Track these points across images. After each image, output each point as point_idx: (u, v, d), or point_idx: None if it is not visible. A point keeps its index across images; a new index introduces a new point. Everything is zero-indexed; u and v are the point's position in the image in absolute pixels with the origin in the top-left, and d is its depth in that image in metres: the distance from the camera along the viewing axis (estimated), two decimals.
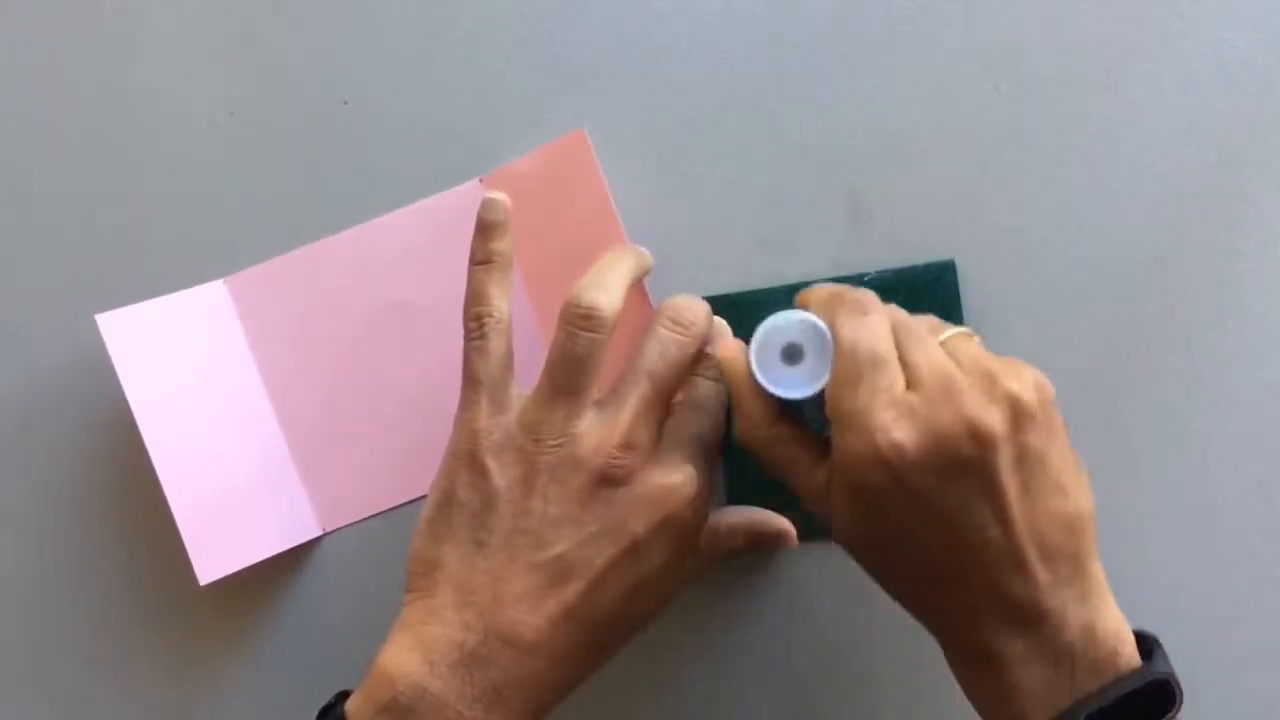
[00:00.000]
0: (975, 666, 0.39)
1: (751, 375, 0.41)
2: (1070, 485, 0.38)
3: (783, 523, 0.47)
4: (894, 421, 0.36)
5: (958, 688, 0.41)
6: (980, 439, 0.36)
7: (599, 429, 0.40)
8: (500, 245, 0.44)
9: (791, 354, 0.40)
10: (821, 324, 0.40)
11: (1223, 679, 0.48)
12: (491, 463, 0.41)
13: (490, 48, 0.49)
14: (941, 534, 0.37)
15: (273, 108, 0.49)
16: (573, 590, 0.39)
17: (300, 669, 0.50)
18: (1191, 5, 0.48)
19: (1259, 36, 0.48)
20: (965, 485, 0.37)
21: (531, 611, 0.39)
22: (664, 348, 0.41)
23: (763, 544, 0.47)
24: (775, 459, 0.41)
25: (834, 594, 0.49)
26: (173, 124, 0.49)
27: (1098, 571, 0.39)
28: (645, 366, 0.41)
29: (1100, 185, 0.48)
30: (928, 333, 0.39)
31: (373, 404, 0.49)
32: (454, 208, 0.48)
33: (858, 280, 0.47)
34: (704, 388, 0.43)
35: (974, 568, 0.38)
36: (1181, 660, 0.48)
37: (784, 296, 0.45)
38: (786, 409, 0.41)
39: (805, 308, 0.41)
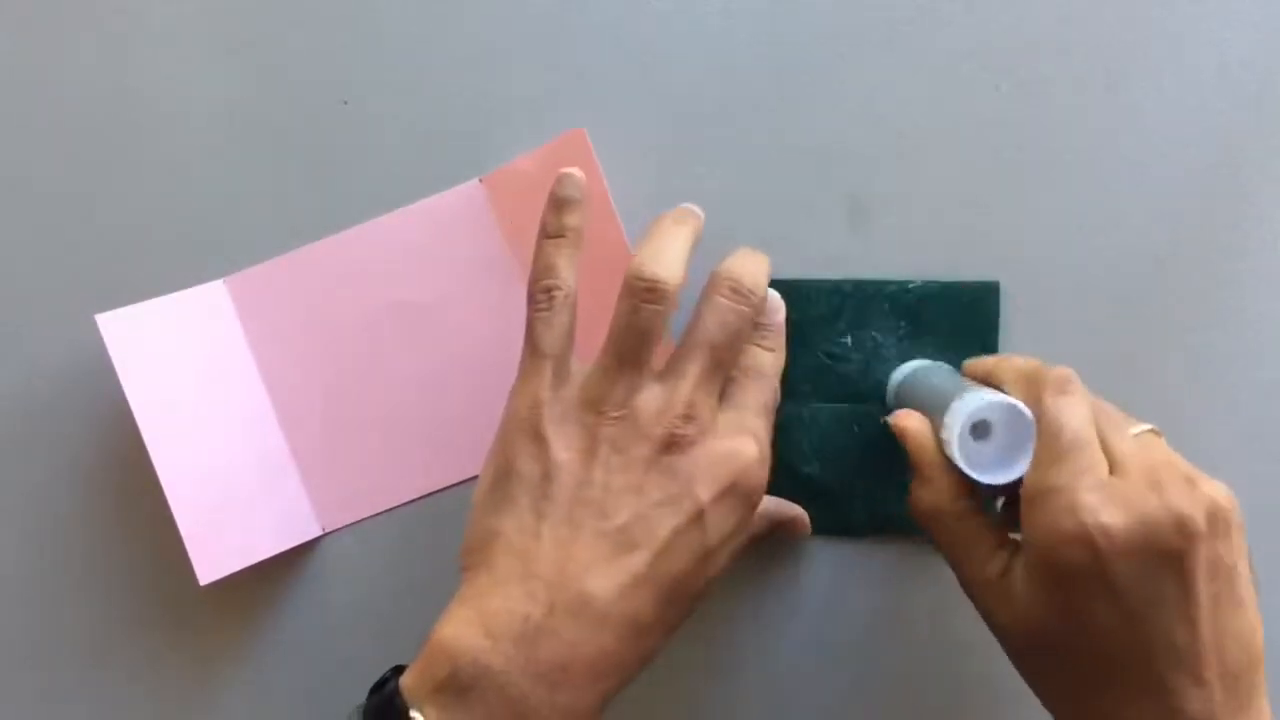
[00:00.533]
0: None
1: (940, 449, 0.40)
2: (1251, 607, 0.37)
3: (797, 510, 0.47)
4: (1101, 504, 0.36)
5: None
6: (1185, 533, 0.36)
7: (660, 399, 0.39)
8: (573, 220, 0.43)
9: (979, 430, 0.39)
10: (1021, 405, 0.39)
11: None
12: (553, 434, 0.40)
13: (490, 48, 0.49)
14: (1126, 629, 0.36)
15: (273, 108, 0.49)
16: (639, 559, 0.38)
17: (300, 669, 0.50)
18: (1191, 5, 0.48)
19: (1259, 36, 0.48)
20: (1162, 580, 0.36)
21: (600, 581, 0.38)
22: (723, 317, 0.40)
23: (780, 531, 0.47)
24: (956, 536, 0.40)
25: (843, 592, 0.49)
26: (172, 124, 0.49)
27: (1267, 708, 0.37)
28: (703, 337, 0.40)
29: (1100, 185, 0.48)
30: (1123, 423, 0.39)
31: (373, 403, 0.49)
32: (454, 208, 0.48)
33: (902, 287, 0.48)
34: (763, 358, 0.42)
35: (1151, 673, 0.36)
36: None
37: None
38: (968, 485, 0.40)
39: (985, 378, 0.42)
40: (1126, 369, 0.48)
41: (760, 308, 0.41)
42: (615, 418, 0.39)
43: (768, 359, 0.43)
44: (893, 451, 0.42)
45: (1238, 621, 0.37)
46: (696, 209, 0.44)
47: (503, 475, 0.40)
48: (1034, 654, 0.39)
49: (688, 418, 0.39)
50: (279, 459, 0.49)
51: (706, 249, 0.48)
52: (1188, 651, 0.36)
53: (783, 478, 0.45)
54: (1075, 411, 0.38)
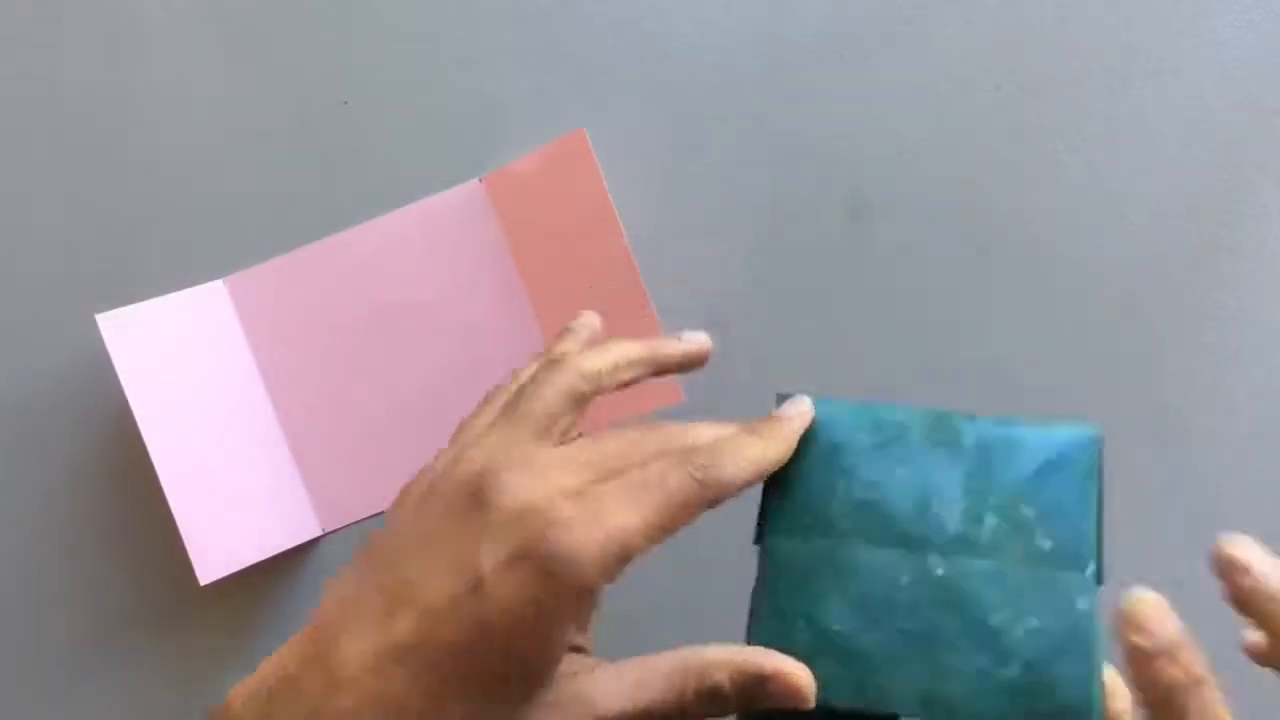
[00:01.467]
0: None
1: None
2: None
3: (789, 665, 0.33)
4: None
5: None
6: None
7: (488, 446, 0.34)
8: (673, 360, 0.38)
9: None
10: None
11: (1223, 680, 0.48)
12: (413, 487, 0.36)
13: (490, 48, 0.49)
14: None
15: (273, 108, 0.49)
16: (403, 622, 0.32)
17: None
18: (1191, 5, 0.48)
19: (1259, 36, 0.48)
20: None
21: (357, 641, 0.32)
22: (539, 386, 0.35)
23: (759, 693, 0.33)
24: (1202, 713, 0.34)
25: None
26: (172, 124, 0.49)
27: None
28: (534, 404, 0.35)
29: (1100, 185, 0.48)
30: None
31: (373, 403, 0.49)
32: (454, 207, 0.48)
33: (1004, 429, 0.36)
34: (702, 431, 0.35)
35: None
36: None
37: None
38: None
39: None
40: (1127, 369, 0.48)
41: (580, 381, 0.35)
42: (453, 453, 0.35)
43: (737, 439, 0.34)
44: (956, 613, 0.34)
45: None
46: (680, 346, 0.38)
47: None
48: None
49: (510, 468, 0.33)
50: (279, 459, 0.49)
51: (707, 249, 0.49)
52: None
53: (801, 630, 0.34)
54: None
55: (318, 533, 0.50)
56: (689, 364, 0.39)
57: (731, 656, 0.33)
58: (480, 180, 0.49)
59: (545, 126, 0.49)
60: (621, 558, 0.31)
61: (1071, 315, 0.48)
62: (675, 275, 0.48)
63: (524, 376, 0.37)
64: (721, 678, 0.33)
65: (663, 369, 0.38)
